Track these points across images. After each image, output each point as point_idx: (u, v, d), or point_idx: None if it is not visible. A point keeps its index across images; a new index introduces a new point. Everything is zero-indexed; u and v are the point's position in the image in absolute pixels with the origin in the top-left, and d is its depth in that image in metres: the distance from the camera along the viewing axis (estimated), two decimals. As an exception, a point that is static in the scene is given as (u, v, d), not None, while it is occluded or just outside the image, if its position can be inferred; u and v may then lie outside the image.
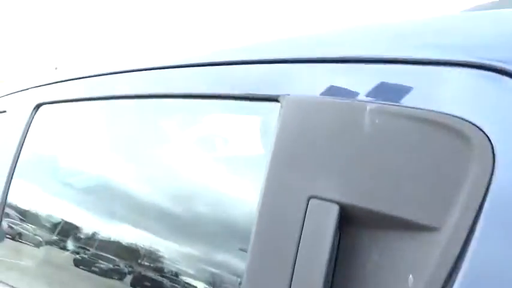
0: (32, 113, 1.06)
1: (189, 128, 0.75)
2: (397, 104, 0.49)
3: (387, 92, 0.52)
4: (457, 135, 0.44)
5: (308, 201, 0.51)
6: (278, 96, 0.58)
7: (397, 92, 0.51)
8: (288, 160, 0.54)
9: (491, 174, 0.42)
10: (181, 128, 0.76)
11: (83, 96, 0.99)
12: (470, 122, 0.44)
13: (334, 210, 0.49)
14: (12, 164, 1.05)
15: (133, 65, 0.83)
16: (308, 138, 0.53)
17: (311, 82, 0.59)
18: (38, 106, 1.05)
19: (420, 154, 0.46)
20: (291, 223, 0.51)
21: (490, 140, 0.43)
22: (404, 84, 0.51)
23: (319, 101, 0.54)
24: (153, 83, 0.80)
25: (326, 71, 0.59)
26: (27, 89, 1.10)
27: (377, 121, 0.49)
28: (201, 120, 0.75)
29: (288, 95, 0.57)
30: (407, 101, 0.50)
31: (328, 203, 0.49)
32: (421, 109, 0.47)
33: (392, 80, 0.53)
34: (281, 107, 0.57)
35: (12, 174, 1.06)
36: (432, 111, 0.46)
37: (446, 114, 0.45)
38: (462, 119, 0.44)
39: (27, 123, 1.06)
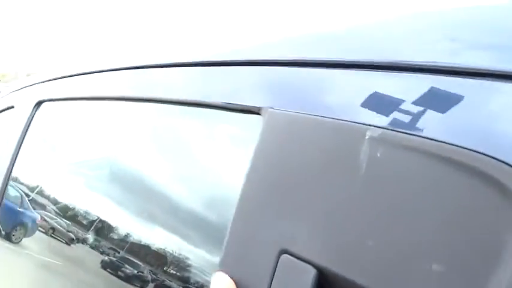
0: (33, 110, 1.00)
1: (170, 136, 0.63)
2: (411, 132, 0.34)
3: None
4: (494, 187, 0.29)
5: (279, 255, 0.37)
6: (260, 108, 0.44)
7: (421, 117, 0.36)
8: (262, 196, 0.40)
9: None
10: (160, 135, 0.64)
11: (84, 95, 0.91)
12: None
13: (310, 274, 0.35)
14: (11, 159, 1.01)
15: (118, 65, 0.73)
16: (290, 169, 0.39)
17: (302, 92, 0.45)
18: (39, 103, 1.00)
19: (441, 211, 0.31)
20: (256, 279, 0.38)
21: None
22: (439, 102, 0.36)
23: (310, 119, 0.40)
24: (139, 85, 0.70)
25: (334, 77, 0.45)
26: (31, 85, 1.04)
27: (379, 155, 0.34)
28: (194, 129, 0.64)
29: (271, 108, 0.43)
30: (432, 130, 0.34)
31: (303, 264, 0.35)
32: (443, 143, 0.32)
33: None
34: (263, 122, 0.44)
35: (11, 170, 1.01)
36: (459, 147, 0.31)
37: (480, 153, 0.30)
38: (502, 161, 0.29)
39: (28, 120, 1.00)
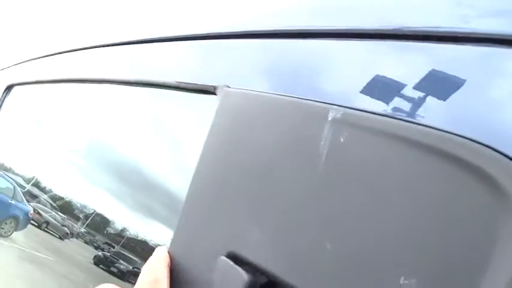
0: (3, 94, 0.95)
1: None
2: (384, 113, 0.28)
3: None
4: (484, 182, 0.23)
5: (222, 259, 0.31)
6: (215, 87, 0.38)
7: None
8: (211, 187, 0.34)
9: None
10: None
11: (52, 77, 0.85)
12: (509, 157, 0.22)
13: (256, 281, 0.29)
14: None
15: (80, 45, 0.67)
16: (243, 157, 0.33)
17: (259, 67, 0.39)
18: (9, 87, 0.94)
19: (417, 209, 0.25)
20: (197, 281, 0.32)
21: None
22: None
23: (269, 98, 0.34)
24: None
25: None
26: (1, 70, 0.99)
27: (342, 140, 0.28)
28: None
29: (227, 86, 0.37)
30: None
31: (249, 269, 0.29)
32: (422, 126, 0.25)
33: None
34: (218, 102, 0.37)
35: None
36: (441, 131, 0.24)
37: (465, 138, 0.23)
38: (494, 150, 0.22)
39: (-1, 104, 0.95)
